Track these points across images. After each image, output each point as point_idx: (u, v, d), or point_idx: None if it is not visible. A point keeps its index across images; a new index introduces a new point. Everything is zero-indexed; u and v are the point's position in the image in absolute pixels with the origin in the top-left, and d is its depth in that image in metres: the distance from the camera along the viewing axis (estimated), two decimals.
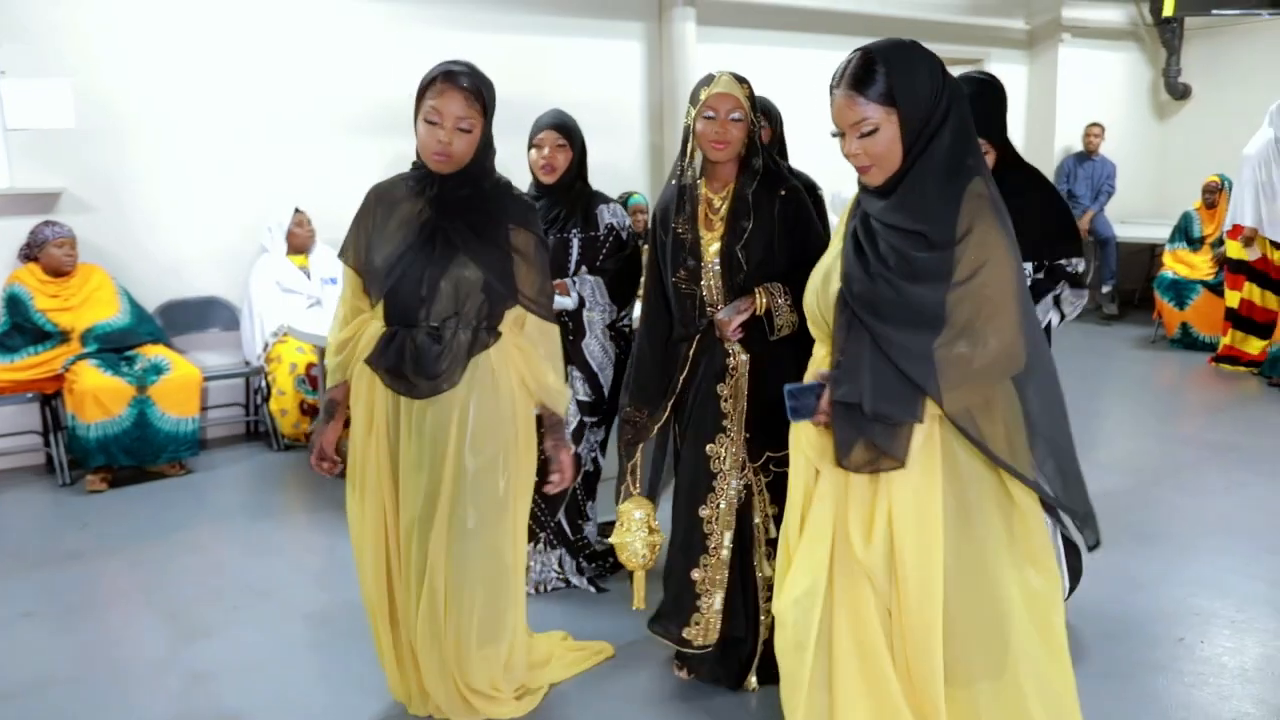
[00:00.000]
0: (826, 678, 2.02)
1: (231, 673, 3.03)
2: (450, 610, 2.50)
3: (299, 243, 5.50)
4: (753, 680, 2.81)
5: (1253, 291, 6.77)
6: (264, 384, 5.33)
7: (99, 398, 4.60)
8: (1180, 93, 9.61)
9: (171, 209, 5.39)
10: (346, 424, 2.59)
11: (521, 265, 2.47)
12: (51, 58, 5.01)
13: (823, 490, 2.02)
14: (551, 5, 6.48)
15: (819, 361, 2.10)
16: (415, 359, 2.37)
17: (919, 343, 1.86)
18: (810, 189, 3.34)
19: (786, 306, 2.62)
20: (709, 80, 2.63)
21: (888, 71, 1.88)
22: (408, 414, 2.45)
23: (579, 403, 3.44)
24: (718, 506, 2.72)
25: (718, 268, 2.66)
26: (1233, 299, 6.88)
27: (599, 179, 3.61)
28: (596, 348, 3.45)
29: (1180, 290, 7.51)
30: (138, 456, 4.76)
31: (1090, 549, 2.08)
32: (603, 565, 3.62)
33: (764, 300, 2.62)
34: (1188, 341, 7.45)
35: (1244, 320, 6.80)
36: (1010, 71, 8.65)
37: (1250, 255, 6.69)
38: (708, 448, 2.72)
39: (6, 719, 2.81)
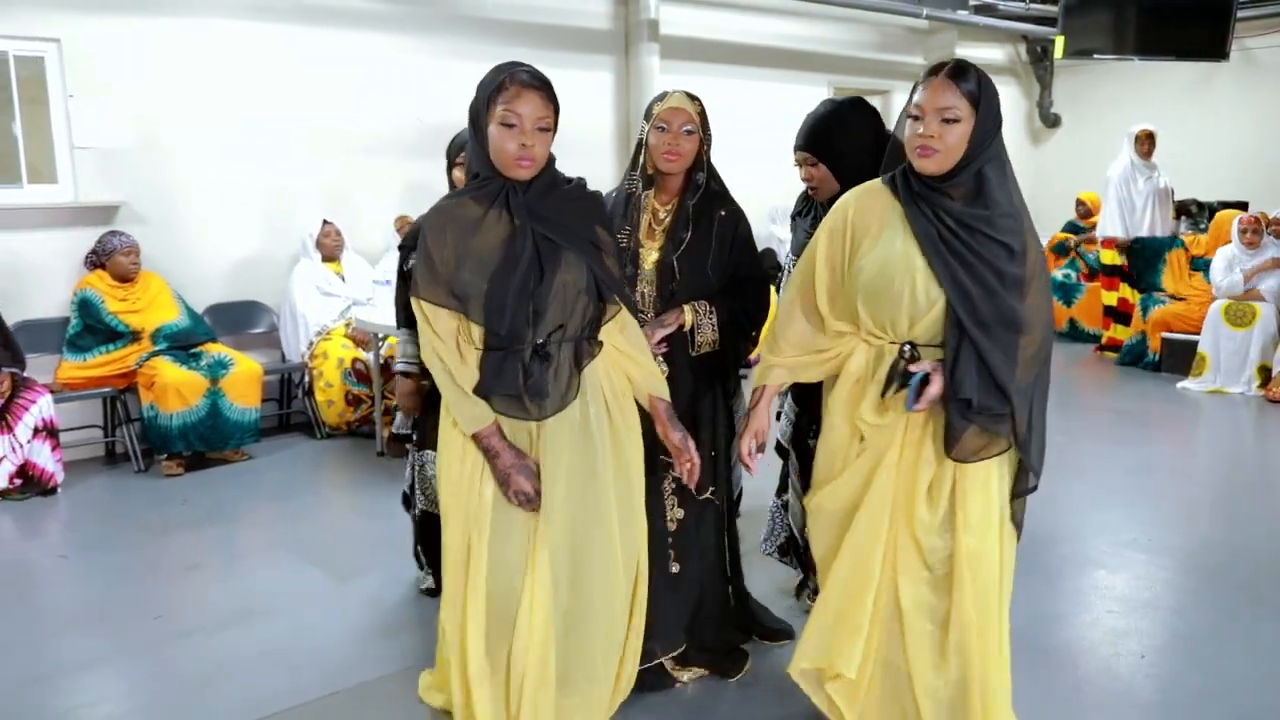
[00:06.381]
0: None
1: (400, 599, 3.67)
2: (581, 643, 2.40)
3: (328, 251, 6.08)
4: (681, 674, 2.96)
5: (1125, 290, 8.07)
6: (307, 378, 5.89)
7: (180, 390, 5.11)
8: (1052, 121, 11.01)
9: (214, 221, 5.91)
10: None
11: (611, 262, 2.39)
12: (113, 83, 5.50)
13: (887, 462, 2.30)
14: (533, 40, 7.21)
15: (861, 364, 2.31)
16: (530, 382, 2.24)
17: (1007, 347, 2.15)
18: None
19: (710, 325, 2.74)
20: (662, 97, 2.75)
21: (979, 78, 2.16)
22: (529, 434, 2.31)
23: None
24: None
25: (654, 277, 2.76)
26: (1110, 298, 8.18)
27: None
28: None
29: (1068, 290, 8.77)
30: (209, 443, 5.27)
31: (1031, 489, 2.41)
32: None
33: (690, 317, 2.72)
34: (1075, 334, 8.72)
35: (1121, 315, 8.08)
36: None
37: (1124, 260, 7.97)
38: None
39: (215, 648, 3.36)
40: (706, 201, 2.77)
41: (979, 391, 2.13)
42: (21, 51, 5.33)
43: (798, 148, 3.00)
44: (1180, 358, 7.24)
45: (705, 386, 2.83)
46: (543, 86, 2.24)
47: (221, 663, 3.19)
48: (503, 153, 2.21)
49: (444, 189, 3.36)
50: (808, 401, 3.03)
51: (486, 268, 2.22)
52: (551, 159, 2.32)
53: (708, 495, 2.90)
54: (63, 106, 5.40)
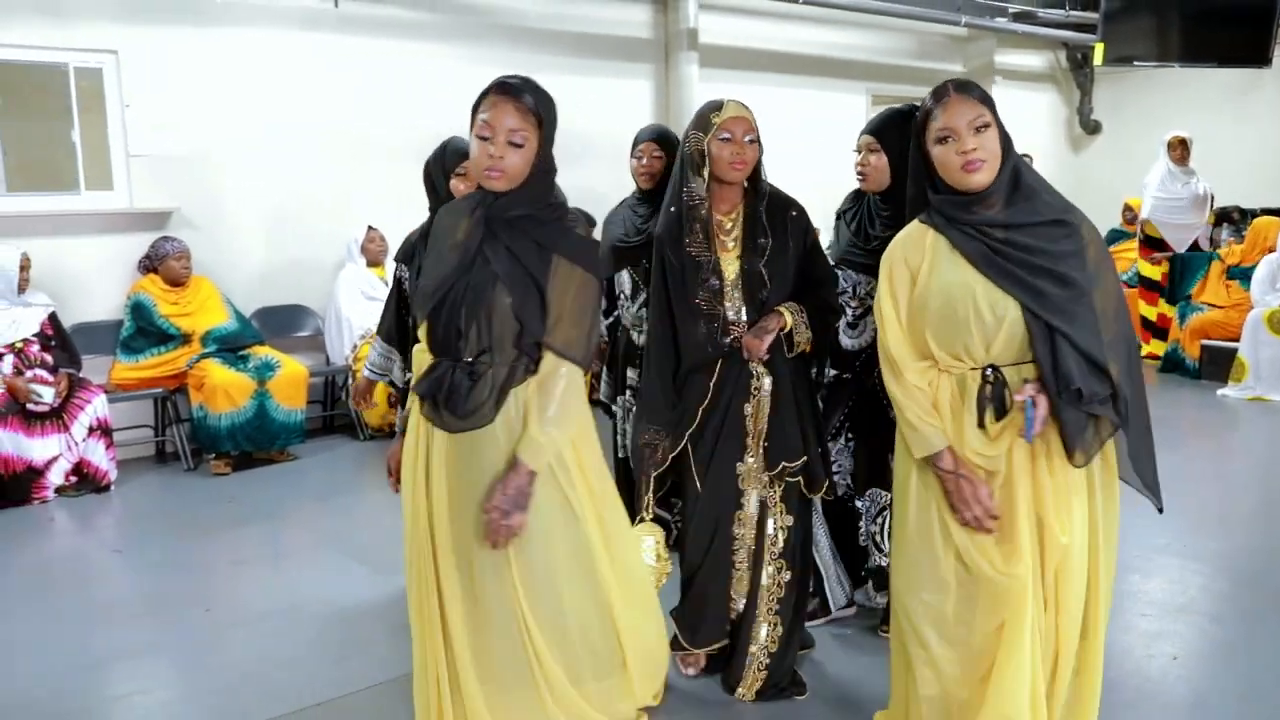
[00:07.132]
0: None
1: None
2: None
3: (372, 256, 6.22)
4: (744, 691, 2.85)
5: (1163, 306, 8.05)
6: (351, 381, 6.01)
7: (228, 391, 5.26)
8: (1092, 128, 10.97)
9: (261, 226, 6.08)
10: None
11: (555, 301, 2.22)
12: (167, 93, 5.68)
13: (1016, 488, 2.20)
14: (574, 49, 7.34)
15: (946, 399, 2.22)
16: (448, 394, 2.21)
17: (1090, 320, 2.10)
18: None
19: (804, 325, 2.73)
20: (719, 106, 2.69)
21: (979, 86, 2.21)
22: (442, 445, 2.28)
23: None
24: (744, 523, 2.80)
25: (739, 286, 2.73)
26: (1150, 312, 8.13)
27: (612, 203, 4.02)
28: None
29: None
30: (256, 443, 5.42)
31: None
32: None
33: (789, 319, 2.71)
34: None
35: (1159, 330, 8.06)
36: None
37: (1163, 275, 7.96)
38: (737, 466, 2.78)
39: (261, 640, 3.46)
40: (774, 206, 2.77)
41: (1087, 379, 2.10)
42: (81, 63, 5.52)
43: (865, 132, 3.00)
44: (1220, 364, 7.18)
45: (803, 389, 2.82)
46: (520, 97, 2.17)
47: (267, 654, 3.30)
48: (476, 163, 2.21)
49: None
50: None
51: (439, 270, 2.25)
52: (544, 175, 2.25)
53: (822, 494, 2.90)
54: (119, 116, 5.58)
